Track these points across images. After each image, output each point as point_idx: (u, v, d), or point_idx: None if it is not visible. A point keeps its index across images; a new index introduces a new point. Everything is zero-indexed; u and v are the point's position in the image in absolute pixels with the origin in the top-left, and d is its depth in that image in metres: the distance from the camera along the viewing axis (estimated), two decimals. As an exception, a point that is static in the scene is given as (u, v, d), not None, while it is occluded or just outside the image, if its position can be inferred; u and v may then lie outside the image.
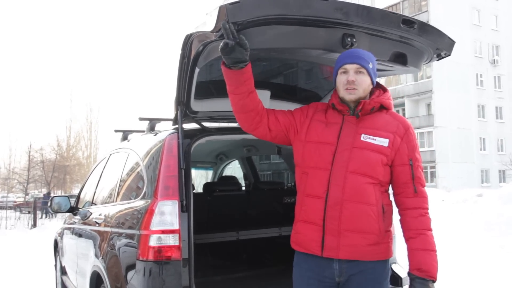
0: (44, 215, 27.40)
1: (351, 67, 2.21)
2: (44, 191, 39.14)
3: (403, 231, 2.20)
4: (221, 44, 2.15)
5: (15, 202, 35.54)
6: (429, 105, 36.50)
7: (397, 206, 2.24)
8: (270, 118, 2.39)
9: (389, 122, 2.24)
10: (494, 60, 38.89)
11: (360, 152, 2.15)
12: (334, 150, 2.18)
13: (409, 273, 2.15)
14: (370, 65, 2.22)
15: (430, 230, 2.15)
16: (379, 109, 2.27)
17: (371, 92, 2.29)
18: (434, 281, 2.10)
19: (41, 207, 27.43)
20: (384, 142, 2.16)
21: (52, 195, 29.22)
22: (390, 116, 2.27)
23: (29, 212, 23.60)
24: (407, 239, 2.17)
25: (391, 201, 2.25)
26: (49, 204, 4.88)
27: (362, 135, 2.19)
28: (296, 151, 2.34)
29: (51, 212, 23.80)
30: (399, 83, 37.59)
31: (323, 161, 2.19)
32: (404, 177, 2.18)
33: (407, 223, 2.17)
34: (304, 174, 2.27)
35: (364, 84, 2.21)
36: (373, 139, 2.17)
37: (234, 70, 2.24)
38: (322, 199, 2.15)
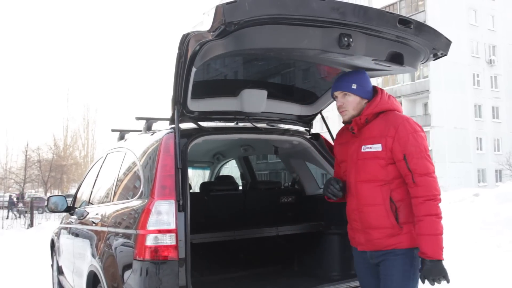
0: (15, 216, 25.70)
1: (337, 94, 2.62)
2: (41, 191, 38.99)
3: None
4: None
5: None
6: (426, 105, 36.56)
7: None
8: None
9: (382, 127, 2.49)
10: (490, 60, 38.96)
11: (363, 162, 2.51)
12: (346, 166, 2.61)
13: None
14: (354, 86, 2.56)
15: (430, 215, 2.34)
16: (376, 116, 2.54)
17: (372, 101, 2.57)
18: (439, 261, 2.33)
19: (8, 207, 26.76)
20: (378, 147, 2.47)
21: (26, 196, 28.72)
22: (384, 121, 2.51)
23: (26, 212, 23.52)
24: None
25: (408, 196, 2.43)
26: (45, 203, 4.86)
27: (362, 146, 2.52)
28: None
29: (16, 213, 23.01)
30: (396, 83, 37.63)
31: (344, 176, 2.64)
32: (403, 171, 2.41)
33: (413, 211, 2.41)
34: None
35: (351, 104, 2.57)
36: (370, 147, 2.49)
37: None
38: (347, 206, 2.64)
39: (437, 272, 2.32)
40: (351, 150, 2.58)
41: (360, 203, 2.51)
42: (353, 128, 2.56)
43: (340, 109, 2.61)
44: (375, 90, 2.61)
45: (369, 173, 2.47)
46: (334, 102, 3.79)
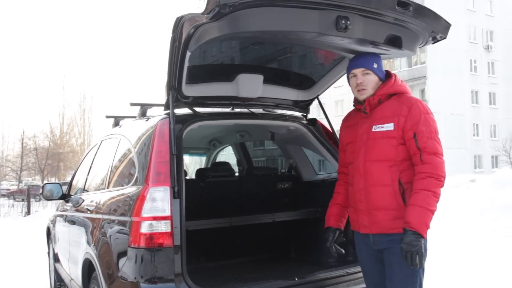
0: None
1: (358, 71, 2.57)
2: (38, 178, 38.90)
3: None
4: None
5: (9, 189, 35.41)
6: (423, 91, 36.49)
7: None
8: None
9: (395, 107, 2.49)
10: (488, 45, 38.84)
11: (373, 142, 2.50)
12: (355, 146, 2.59)
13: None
14: (375, 65, 2.57)
15: (428, 190, 2.32)
16: (389, 98, 2.54)
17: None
18: (420, 235, 2.28)
19: None
20: (390, 126, 2.47)
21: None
22: (396, 102, 2.52)
23: (22, 200, 23.47)
24: None
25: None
26: (41, 191, 4.83)
27: (373, 126, 2.52)
28: None
29: None
30: (393, 69, 37.47)
31: (350, 157, 2.64)
32: (412, 149, 2.42)
33: (413, 186, 2.39)
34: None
35: (371, 83, 2.55)
36: (381, 127, 2.49)
37: None
38: (354, 187, 2.59)
39: (414, 246, 2.25)
40: (361, 130, 2.57)
41: (368, 183, 2.49)
42: (365, 108, 2.55)
43: (359, 86, 2.56)
44: (388, 74, 2.63)
45: (380, 153, 2.46)
46: (332, 87, 3.80)
